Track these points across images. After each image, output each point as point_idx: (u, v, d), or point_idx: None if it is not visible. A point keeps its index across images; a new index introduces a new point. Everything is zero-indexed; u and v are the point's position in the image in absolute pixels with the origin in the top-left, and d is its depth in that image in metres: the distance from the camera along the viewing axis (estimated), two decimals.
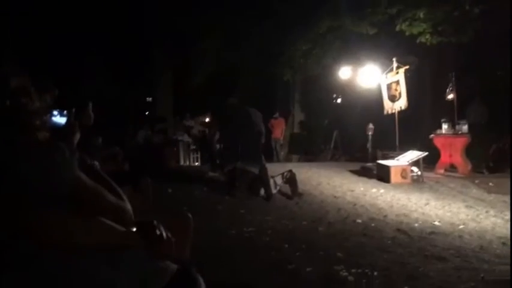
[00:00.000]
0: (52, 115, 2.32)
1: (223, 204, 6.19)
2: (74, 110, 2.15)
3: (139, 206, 1.51)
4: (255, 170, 6.78)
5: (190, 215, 2.30)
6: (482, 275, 3.16)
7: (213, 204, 6.11)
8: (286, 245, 4.08)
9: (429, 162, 9.50)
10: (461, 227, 4.86)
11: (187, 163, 11.80)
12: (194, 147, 12.20)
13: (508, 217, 5.23)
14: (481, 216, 5.34)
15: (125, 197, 1.44)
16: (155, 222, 1.44)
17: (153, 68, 15.52)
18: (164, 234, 1.42)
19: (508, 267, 3.41)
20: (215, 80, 16.04)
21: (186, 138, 12.32)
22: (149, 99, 19.56)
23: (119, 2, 12.07)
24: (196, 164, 11.65)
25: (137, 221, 1.47)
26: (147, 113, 18.07)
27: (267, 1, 12.00)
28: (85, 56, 13.71)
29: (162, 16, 12.89)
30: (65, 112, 2.31)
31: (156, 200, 4.25)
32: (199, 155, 11.97)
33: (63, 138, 1.89)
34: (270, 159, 12.18)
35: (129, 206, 1.42)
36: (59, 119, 2.36)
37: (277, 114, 15.03)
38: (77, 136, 1.97)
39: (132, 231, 1.39)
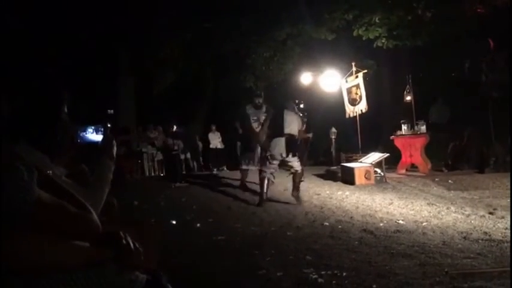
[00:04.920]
0: (87, 132, 2.36)
1: (191, 214, 6.14)
2: (108, 125, 2.26)
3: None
4: None
5: (156, 225, 2.28)
6: (446, 270, 3.25)
7: (180, 214, 6.05)
8: (256, 251, 4.09)
9: (391, 163, 9.75)
10: (424, 224, 5.00)
11: (152, 174, 11.66)
12: (159, 158, 12.07)
13: (468, 212, 5.44)
14: (442, 213, 5.51)
15: (88, 206, 1.40)
16: (121, 232, 1.41)
17: (114, 79, 15.20)
18: (132, 244, 1.40)
19: (470, 260, 3.54)
20: (178, 89, 15.89)
21: (150, 149, 12.18)
22: (111, 111, 19.12)
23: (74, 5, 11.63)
24: (162, 175, 11.52)
25: (103, 232, 1.43)
26: (109, 125, 17.62)
27: (226, 9, 12.02)
28: (40, 65, 13.26)
29: (122, 24, 12.65)
30: (101, 128, 2.36)
31: (122, 213, 4.17)
32: (163, 166, 11.86)
33: (104, 153, 1.97)
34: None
35: (94, 216, 1.39)
36: (94, 136, 2.37)
37: None
38: (115, 149, 2.05)
39: (98, 245, 1.36)
